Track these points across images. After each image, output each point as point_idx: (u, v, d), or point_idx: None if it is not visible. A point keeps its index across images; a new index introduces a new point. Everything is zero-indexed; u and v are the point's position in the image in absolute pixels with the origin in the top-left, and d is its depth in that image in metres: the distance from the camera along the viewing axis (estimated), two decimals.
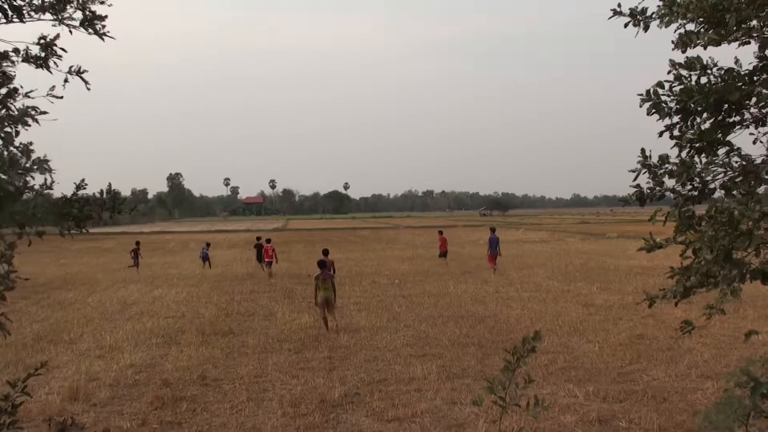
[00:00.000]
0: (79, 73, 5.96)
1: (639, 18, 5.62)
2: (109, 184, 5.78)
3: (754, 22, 4.97)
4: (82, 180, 5.77)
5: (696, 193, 5.36)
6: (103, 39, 6.09)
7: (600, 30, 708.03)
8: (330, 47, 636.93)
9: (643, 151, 5.37)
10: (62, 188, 5.49)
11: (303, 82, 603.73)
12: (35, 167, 5.13)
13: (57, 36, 5.90)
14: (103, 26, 6.03)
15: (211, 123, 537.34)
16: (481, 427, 9.48)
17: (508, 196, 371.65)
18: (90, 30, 5.98)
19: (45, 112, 5.52)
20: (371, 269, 34.61)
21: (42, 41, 5.85)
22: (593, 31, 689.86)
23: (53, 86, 5.71)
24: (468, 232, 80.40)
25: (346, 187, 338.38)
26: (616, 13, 5.67)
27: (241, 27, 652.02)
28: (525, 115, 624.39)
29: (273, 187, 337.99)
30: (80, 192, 5.66)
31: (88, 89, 6.10)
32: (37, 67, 5.90)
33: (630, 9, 5.64)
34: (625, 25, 5.69)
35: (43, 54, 5.86)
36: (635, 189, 5.50)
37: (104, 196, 5.70)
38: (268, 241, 34.46)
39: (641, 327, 16.66)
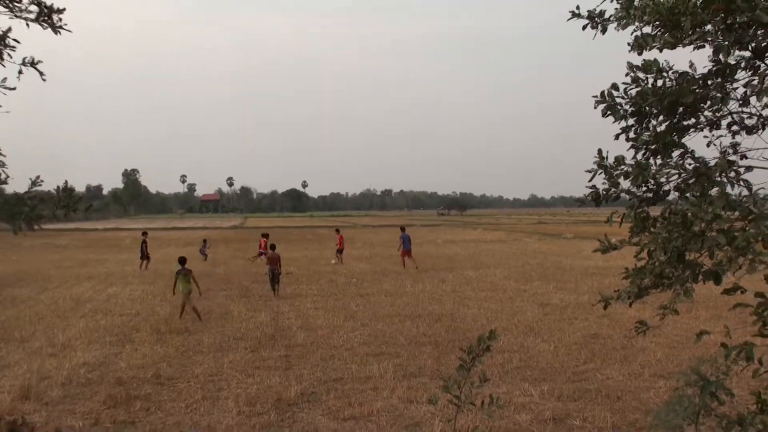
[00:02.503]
0: (33, 64, 5.88)
1: (597, 20, 5.66)
2: (66, 182, 5.70)
3: (709, 27, 5.04)
4: (38, 177, 5.69)
5: (651, 194, 5.42)
6: (58, 33, 6.01)
7: (559, 33, 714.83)
8: (288, 42, 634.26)
9: (599, 152, 5.41)
10: (15, 184, 5.40)
11: (261, 77, 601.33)
12: None
13: (9, 29, 5.81)
14: (60, 19, 5.94)
15: (167, 119, 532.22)
16: (437, 426, 9.51)
17: (467, 196, 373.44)
18: (45, 24, 5.90)
19: None
20: (329, 268, 34.55)
21: None
22: (551, 34, 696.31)
23: (5, 78, 5.62)
24: (426, 232, 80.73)
25: (304, 185, 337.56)
26: (575, 15, 5.71)
27: (198, 20, 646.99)
28: (483, 116, 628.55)
29: (231, 184, 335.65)
30: (35, 188, 5.58)
31: (44, 80, 6.02)
32: None
33: (588, 11, 5.68)
34: (584, 28, 5.72)
35: None
36: (591, 190, 5.54)
37: (59, 193, 5.62)
38: (266, 235, 37.42)
39: (596, 326, 16.85)
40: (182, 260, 20.31)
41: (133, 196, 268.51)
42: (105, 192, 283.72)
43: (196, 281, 19.98)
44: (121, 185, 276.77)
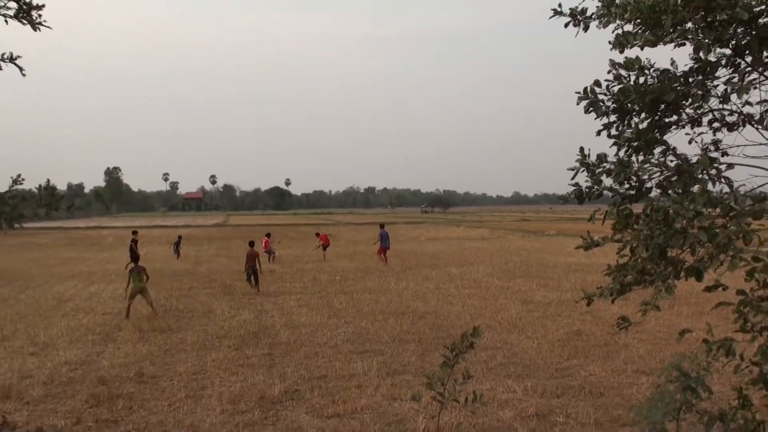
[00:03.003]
0: (12, 59, 5.83)
1: (579, 18, 5.68)
2: (47, 181, 5.66)
3: (689, 24, 5.06)
4: (18, 175, 5.65)
5: (633, 192, 5.44)
6: (38, 29, 5.96)
7: (542, 29, 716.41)
8: (270, 42, 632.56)
9: (582, 149, 5.43)
10: None
11: (244, 76, 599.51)
12: None
13: None
14: (39, 15, 5.90)
15: (150, 116, 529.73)
16: (421, 423, 9.51)
17: (450, 194, 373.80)
18: (24, 21, 5.85)
19: None
20: (312, 265, 34.52)
21: None
22: (534, 31, 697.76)
23: None
24: (409, 229, 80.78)
25: (287, 183, 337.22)
26: (557, 13, 5.73)
27: (181, 20, 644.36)
28: (467, 114, 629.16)
29: (213, 182, 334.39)
30: (16, 187, 5.54)
31: (23, 75, 5.97)
32: None
33: (570, 9, 5.70)
34: (566, 25, 5.74)
35: None
36: (574, 187, 5.56)
37: (40, 192, 5.59)
38: (268, 235, 40.09)
39: (579, 323, 16.92)
40: (135, 258, 20.20)
41: (115, 194, 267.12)
42: (87, 190, 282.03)
43: (147, 276, 20.40)
44: (103, 183, 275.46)
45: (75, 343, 15.43)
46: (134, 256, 34.22)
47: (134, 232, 37.44)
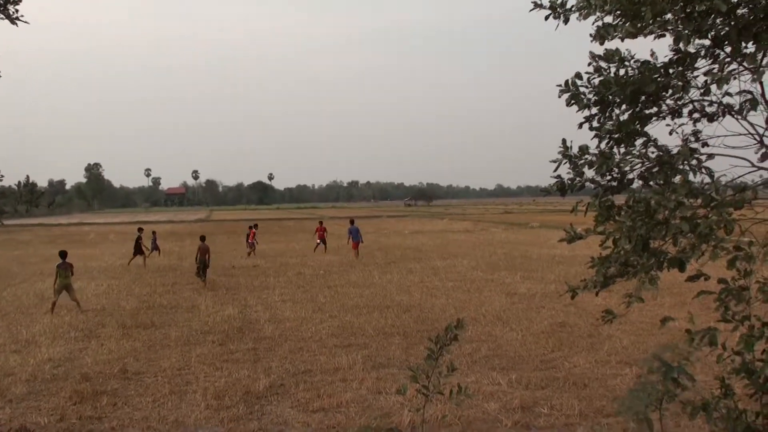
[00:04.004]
0: None
1: (559, 11, 5.68)
2: (27, 177, 5.62)
3: (669, 16, 5.08)
4: None
5: (615, 183, 5.45)
6: (15, 24, 5.90)
7: (521, 21, 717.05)
8: (251, 36, 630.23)
9: (564, 141, 5.44)
10: None
11: (225, 70, 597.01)
12: None
13: None
14: (17, 10, 5.84)
15: (131, 112, 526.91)
16: (406, 416, 9.54)
17: (433, 187, 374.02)
18: (2, 16, 5.79)
19: None
20: (296, 260, 34.46)
21: None
22: (514, 23, 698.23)
23: None
24: (393, 223, 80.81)
25: (270, 177, 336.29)
26: (537, 5, 5.73)
27: (156, 14, 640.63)
28: (449, 107, 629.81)
29: (196, 177, 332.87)
30: None
31: None
32: None
33: (550, 1, 5.70)
34: (546, 18, 5.74)
35: None
36: (556, 179, 5.57)
37: (21, 188, 5.55)
38: (255, 226, 40.44)
39: (563, 315, 16.98)
40: (63, 254, 20.70)
41: (96, 190, 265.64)
42: (68, 187, 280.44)
43: (72, 272, 20.81)
44: (84, 180, 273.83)
45: (58, 340, 15.34)
46: (141, 250, 33.97)
47: (140, 229, 37.27)
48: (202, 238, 28.13)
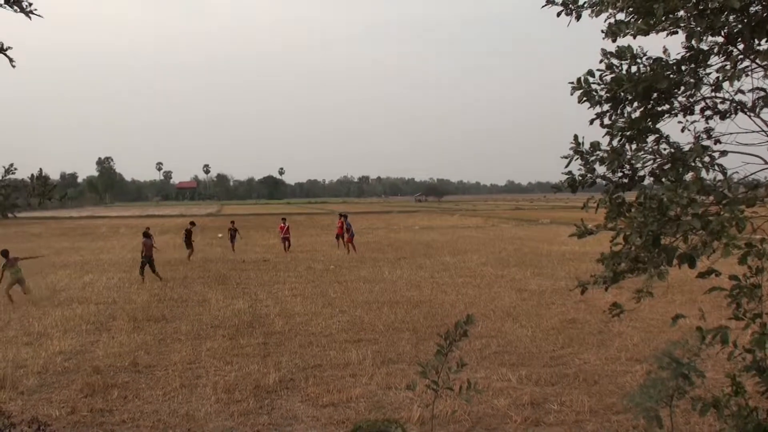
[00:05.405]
0: (2, 50, 5.78)
1: (571, 7, 5.67)
2: (40, 170, 5.64)
3: (682, 12, 5.06)
4: (11, 165, 5.62)
5: (626, 180, 5.45)
6: (29, 17, 5.90)
7: (534, 18, 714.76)
8: (264, 30, 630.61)
9: (575, 138, 5.43)
10: None
11: (237, 65, 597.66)
12: None
13: None
14: (30, 3, 5.83)
15: (144, 106, 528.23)
16: (416, 412, 9.54)
17: (444, 183, 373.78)
18: (16, 8, 5.79)
19: None
20: (306, 255, 34.51)
21: None
22: (527, 20, 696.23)
23: None
24: (403, 218, 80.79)
25: (281, 172, 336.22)
26: (549, 2, 5.72)
27: (175, 7, 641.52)
28: (461, 102, 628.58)
29: (207, 171, 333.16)
30: (9, 176, 5.51)
31: (13, 66, 5.92)
32: None
33: None
34: (558, 14, 5.74)
35: None
36: (567, 176, 5.56)
37: (33, 181, 5.57)
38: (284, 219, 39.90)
39: (573, 311, 16.95)
40: (5, 253, 21.23)
41: (108, 184, 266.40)
42: (80, 180, 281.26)
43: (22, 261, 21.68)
44: (95, 173, 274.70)
45: (69, 333, 15.41)
46: (189, 244, 33.90)
47: (191, 223, 37.21)
48: (146, 234, 27.47)
